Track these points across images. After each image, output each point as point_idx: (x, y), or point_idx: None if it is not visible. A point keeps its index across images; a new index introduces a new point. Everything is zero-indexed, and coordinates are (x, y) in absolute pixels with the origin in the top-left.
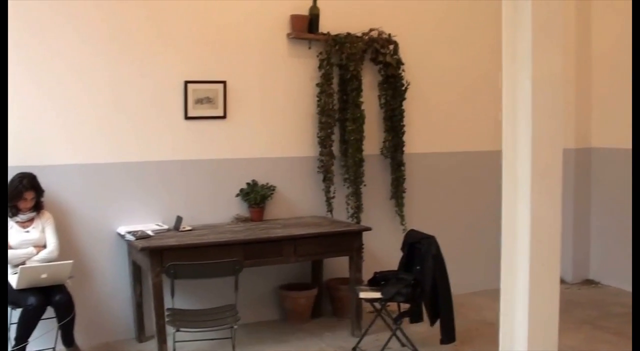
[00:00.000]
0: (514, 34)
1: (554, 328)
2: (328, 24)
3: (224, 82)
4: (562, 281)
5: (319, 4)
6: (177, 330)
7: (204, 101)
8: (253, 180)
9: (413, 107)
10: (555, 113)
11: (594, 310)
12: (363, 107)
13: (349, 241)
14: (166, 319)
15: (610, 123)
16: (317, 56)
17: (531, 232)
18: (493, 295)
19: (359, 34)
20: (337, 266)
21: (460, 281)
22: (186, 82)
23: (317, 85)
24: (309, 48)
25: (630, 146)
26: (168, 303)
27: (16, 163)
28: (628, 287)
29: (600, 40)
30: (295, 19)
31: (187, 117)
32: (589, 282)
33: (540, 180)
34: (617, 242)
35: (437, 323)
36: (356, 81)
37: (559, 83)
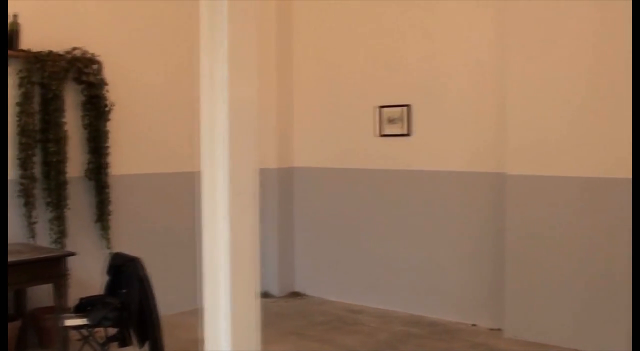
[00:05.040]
0: (212, 58)
1: (257, 341)
2: (29, 41)
3: None
4: (269, 295)
5: (20, 19)
6: None
7: None
8: None
9: (118, 128)
10: (251, 135)
11: (299, 321)
12: (66, 127)
13: (53, 267)
14: None
15: (310, 144)
16: (17, 74)
17: (231, 249)
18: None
19: (62, 52)
20: (43, 294)
21: (171, 301)
22: None
23: (17, 104)
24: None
25: (331, 165)
26: None
27: None
28: (331, 297)
29: (301, 66)
30: None
31: None
32: (295, 294)
33: (238, 199)
34: (319, 255)
35: (147, 346)
36: (58, 101)
37: (255, 106)
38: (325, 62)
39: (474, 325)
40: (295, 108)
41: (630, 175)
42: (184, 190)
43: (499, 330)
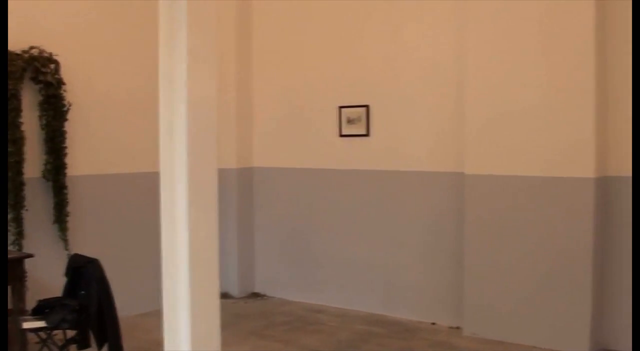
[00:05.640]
0: (170, 58)
1: (217, 342)
2: None
3: None
4: (229, 296)
5: None
6: None
7: None
8: None
9: (77, 128)
10: (210, 134)
11: (260, 321)
12: (23, 128)
13: (10, 269)
14: None
15: (270, 144)
16: None
17: (190, 250)
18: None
19: (19, 52)
20: None
21: (131, 302)
22: None
23: None
24: None
25: (291, 165)
26: None
27: None
28: (291, 297)
29: (261, 66)
30: None
31: None
32: (255, 295)
33: (198, 200)
34: (280, 255)
35: (106, 348)
36: (15, 101)
37: (213, 106)
38: (286, 62)
39: (433, 323)
40: (255, 108)
41: (591, 175)
42: (144, 190)
43: (458, 328)
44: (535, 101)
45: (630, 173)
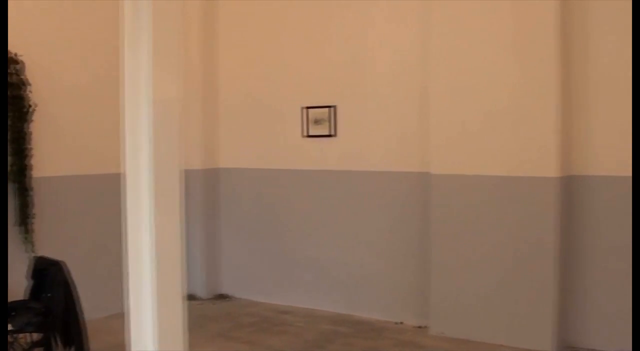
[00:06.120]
0: (135, 59)
1: (183, 344)
2: None
3: None
4: (196, 297)
5: None
6: None
7: None
8: None
9: (41, 129)
10: (175, 135)
11: (226, 323)
12: None
13: None
14: None
15: (236, 145)
16: None
17: (156, 251)
18: None
19: None
20: None
21: (97, 305)
22: None
23: None
24: None
25: (257, 166)
26: None
27: None
28: (258, 298)
29: (227, 67)
30: None
31: None
32: (222, 296)
33: (163, 201)
34: (246, 256)
35: None
36: None
37: (179, 107)
38: (251, 63)
39: (400, 322)
40: (221, 109)
41: (555, 174)
42: (109, 191)
43: (424, 327)
44: (500, 101)
45: (593, 173)
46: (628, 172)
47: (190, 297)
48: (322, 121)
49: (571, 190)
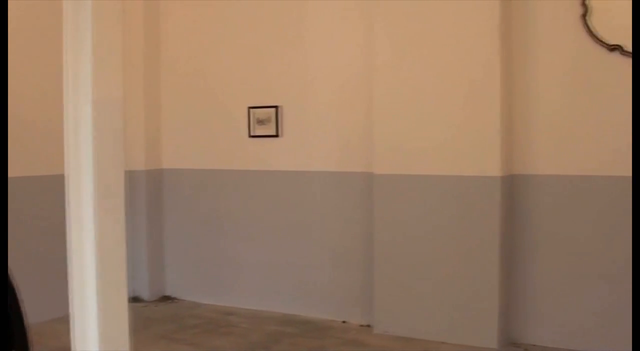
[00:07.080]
0: (75, 58)
1: (127, 346)
2: None
3: None
4: (140, 300)
5: None
6: None
7: None
8: None
9: None
10: (116, 136)
11: (170, 325)
12: None
13: None
14: None
15: (180, 145)
16: None
17: (98, 254)
18: None
19: None
20: None
21: (41, 308)
22: None
23: None
24: None
25: (201, 167)
26: None
27: None
28: (203, 300)
29: (170, 66)
30: None
31: None
32: (166, 298)
33: (104, 202)
34: (191, 258)
35: None
36: None
37: (120, 107)
38: (195, 62)
39: (344, 322)
40: (164, 109)
41: (497, 173)
42: (50, 193)
43: (368, 326)
44: (443, 100)
45: (534, 172)
46: (567, 171)
47: (135, 299)
48: (266, 121)
49: (513, 189)
